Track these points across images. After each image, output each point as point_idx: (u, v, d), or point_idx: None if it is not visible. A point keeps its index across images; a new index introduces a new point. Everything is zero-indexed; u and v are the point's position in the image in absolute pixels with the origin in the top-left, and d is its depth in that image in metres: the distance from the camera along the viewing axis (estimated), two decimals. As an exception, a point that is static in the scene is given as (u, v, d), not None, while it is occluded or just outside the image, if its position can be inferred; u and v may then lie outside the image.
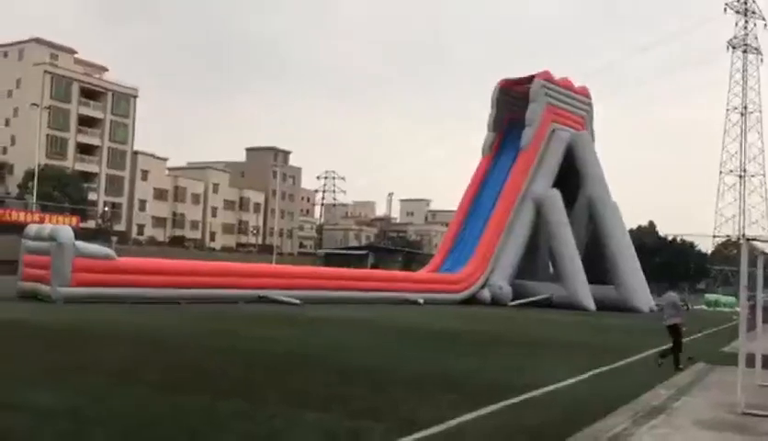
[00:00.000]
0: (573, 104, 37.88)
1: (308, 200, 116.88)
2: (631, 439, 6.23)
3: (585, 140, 37.18)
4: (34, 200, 48.89)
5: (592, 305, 31.72)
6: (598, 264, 34.58)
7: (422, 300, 28.38)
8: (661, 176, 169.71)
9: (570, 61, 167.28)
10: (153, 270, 21.65)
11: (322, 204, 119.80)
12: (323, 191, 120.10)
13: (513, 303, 31.88)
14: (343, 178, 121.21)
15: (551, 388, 8.61)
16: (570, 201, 35.37)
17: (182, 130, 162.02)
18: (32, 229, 20.61)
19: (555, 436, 6.10)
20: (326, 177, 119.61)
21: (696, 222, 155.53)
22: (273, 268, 29.42)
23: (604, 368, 10.83)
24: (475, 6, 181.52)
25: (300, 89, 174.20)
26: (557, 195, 34.35)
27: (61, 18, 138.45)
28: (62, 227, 21.16)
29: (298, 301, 23.47)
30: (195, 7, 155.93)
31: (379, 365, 10.29)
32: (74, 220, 48.46)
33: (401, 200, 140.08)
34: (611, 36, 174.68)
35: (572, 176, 36.31)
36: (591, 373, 10.20)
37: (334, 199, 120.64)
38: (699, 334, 20.11)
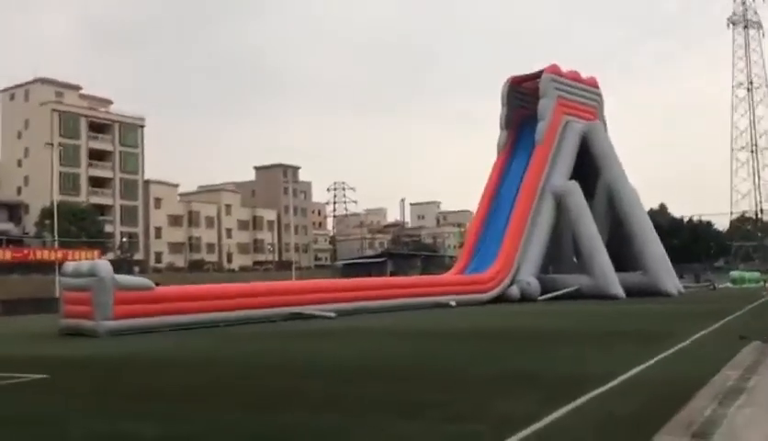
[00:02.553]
0: (583, 95, 38.10)
1: (318, 213, 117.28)
2: (725, 420, 6.37)
3: (598, 129, 37.35)
4: (55, 237, 49.37)
5: (621, 292, 31.78)
6: (622, 251, 34.69)
7: (454, 303, 28.52)
8: (669, 158, 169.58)
9: (570, 50, 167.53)
10: (190, 296, 21.86)
11: (334, 215, 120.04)
12: (335, 202, 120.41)
13: (542, 297, 31.99)
14: (353, 189, 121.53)
15: (624, 377, 8.74)
16: (588, 192, 35.50)
17: (187, 154, 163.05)
18: (70, 266, 20.86)
19: (652, 422, 6.23)
20: (336, 189, 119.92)
21: (709, 201, 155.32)
22: (304, 284, 29.61)
23: (663, 355, 10.93)
24: (469, 4, 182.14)
25: (302, 102, 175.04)
26: (576, 186, 34.52)
27: (55, 50, 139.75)
28: (101, 262, 21.42)
29: (333, 315, 23.66)
30: (187, 29, 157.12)
31: (446, 368, 10.47)
32: (96, 253, 49.02)
33: (412, 204, 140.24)
34: (609, 22, 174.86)
35: (589, 167, 36.48)
36: (653, 360, 10.31)
37: (346, 210, 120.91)
38: (740, 312, 20.25)
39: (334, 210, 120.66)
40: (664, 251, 35.70)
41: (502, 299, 31.59)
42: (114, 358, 13.49)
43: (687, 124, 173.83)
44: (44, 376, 10.83)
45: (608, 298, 31.17)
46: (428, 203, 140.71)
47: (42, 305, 41.25)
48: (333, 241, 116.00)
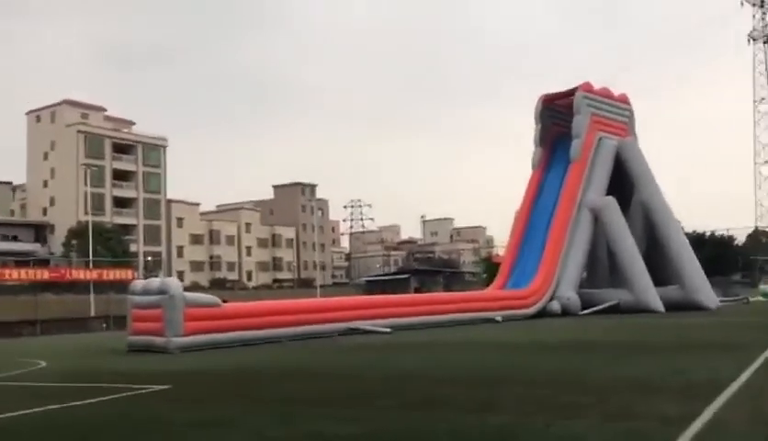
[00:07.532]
0: (615, 112, 38.68)
1: (333, 230, 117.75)
2: None
3: (631, 145, 37.90)
4: (89, 258, 50.01)
5: (660, 306, 32.10)
6: (657, 266, 35.03)
7: (500, 318, 28.95)
8: (688, 172, 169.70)
9: (585, 65, 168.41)
10: (254, 313, 22.47)
11: (351, 233, 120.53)
12: (351, 220, 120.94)
13: (583, 312, 32.37)
14: (369, 205, 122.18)
15: (743, 380, 9.16)
16: (623, 207, 35.90)
17: (206, 172, 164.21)
18: (138, 284, 21.47)
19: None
20: (353, 206, 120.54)
21: (728, 216, 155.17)
22: (358, 300, 30.25)
23: (760, 360, 11.34)
24: (482, 20, 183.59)
25: (317, 120, 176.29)
26: (613, 201, 35.00)
27: (78, 73, 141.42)
28: (172, 279, 22.02)
29: (389, 330, 24.10)
30: (203, 47, 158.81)
31: (567, 375, 10.80)
32: (130, 272, 49.67)
33: (425, 221, 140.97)
34: (626, 37, 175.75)
35: (622, 183, 36.96)
36: (756, 364, 10.74)
37: (363, 227, 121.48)
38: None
39: (351, 227, 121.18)
40: (700, 266, 36.01)
41: (543, 313, 32.01)
42: (216, 370, 13.94)
43: (709, 139, 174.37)
44: (167, 386, 11.30)
45: (647, 312, 31.48)
46: (442, 220, 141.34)
47: (78, 324, 41.80)
48: (348, 258, 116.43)
